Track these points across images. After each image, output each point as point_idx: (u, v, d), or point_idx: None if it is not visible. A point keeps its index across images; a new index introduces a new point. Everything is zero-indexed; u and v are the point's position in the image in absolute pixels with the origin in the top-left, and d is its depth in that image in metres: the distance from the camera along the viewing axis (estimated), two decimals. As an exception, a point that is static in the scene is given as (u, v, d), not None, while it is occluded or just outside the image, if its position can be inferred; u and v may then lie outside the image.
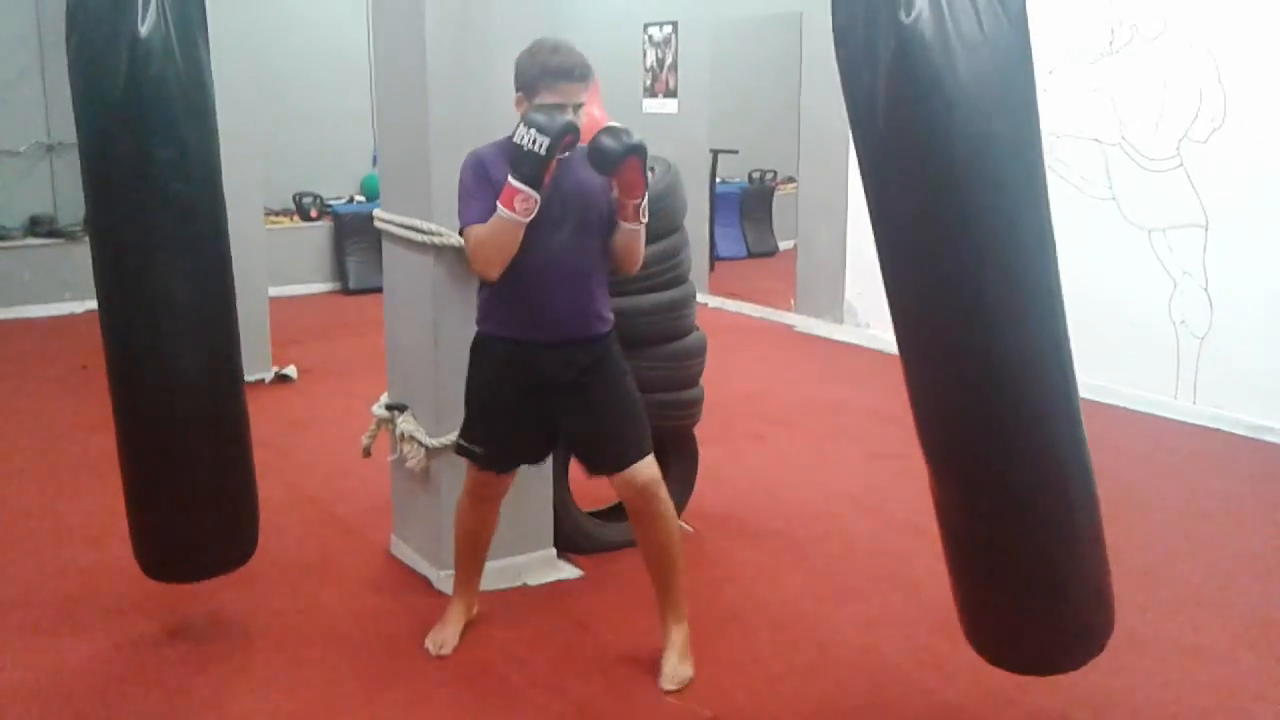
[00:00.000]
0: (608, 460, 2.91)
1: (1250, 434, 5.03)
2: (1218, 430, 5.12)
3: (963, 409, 2.30)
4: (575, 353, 2.84)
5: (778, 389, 5.97)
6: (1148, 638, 3.22)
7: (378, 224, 3.49)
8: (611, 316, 2.92)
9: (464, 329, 3.27)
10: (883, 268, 2.32)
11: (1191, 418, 5.25)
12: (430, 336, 3.31)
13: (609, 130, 2.66)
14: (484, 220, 2.69)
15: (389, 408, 3.49)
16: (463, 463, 3.30)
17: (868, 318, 6.82)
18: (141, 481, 2.92)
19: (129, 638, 3.16)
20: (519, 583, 3.43)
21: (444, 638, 3.08)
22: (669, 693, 2.89)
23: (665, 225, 3.49)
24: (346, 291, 8.46)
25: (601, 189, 2.80)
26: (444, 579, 3.40)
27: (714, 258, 8.95)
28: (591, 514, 3.73)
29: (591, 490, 3.67)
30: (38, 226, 7.66)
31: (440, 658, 3.04)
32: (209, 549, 3.00)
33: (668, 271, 3.49)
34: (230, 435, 2.97)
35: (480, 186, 2.71)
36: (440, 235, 3.21)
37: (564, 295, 2.80)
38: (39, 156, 7.75)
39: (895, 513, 4.13)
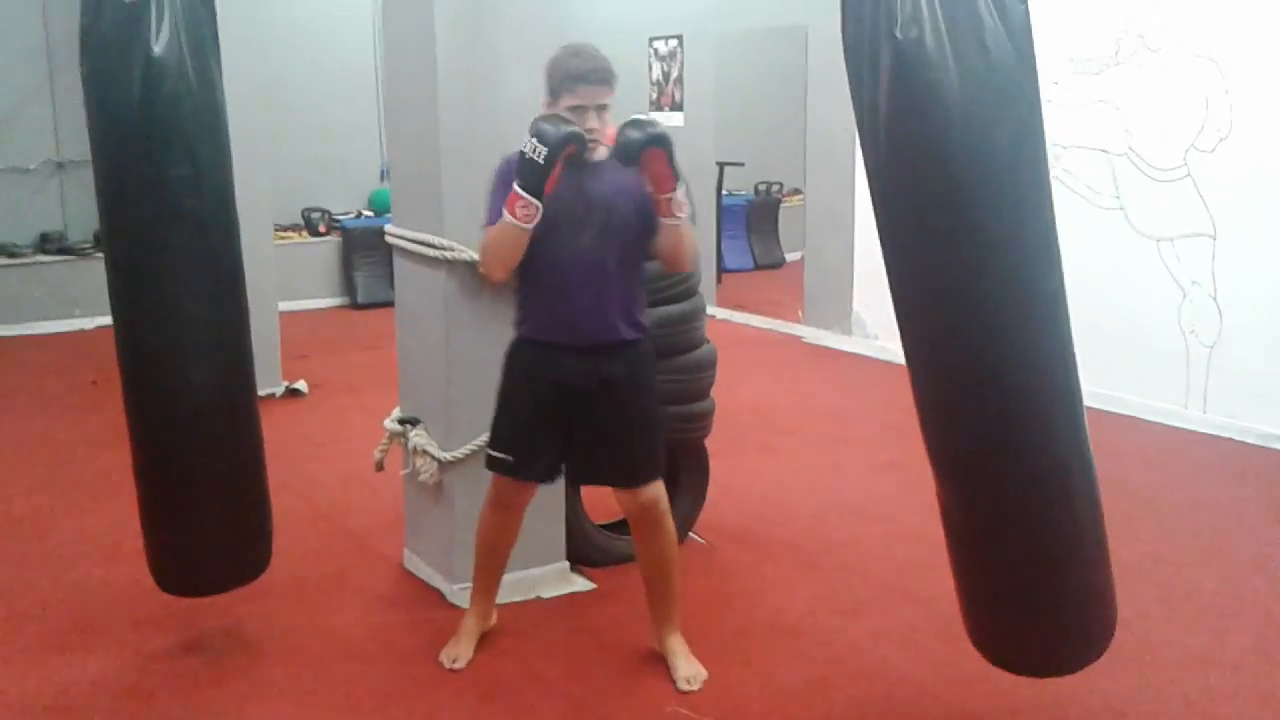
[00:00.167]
0: (611, 475, 2.93)
1: (1260, 442, 5.03)
2: (1228, 439, 5.12)
3: (965, 414, 2.33)
4: (598, 360, 2.85)
5: (787, 401, 5.98)
6: (1160, 646, 3.22)
7: (389, 239, 3.51)
8: (645, 324, 2.92)
9: (476, 343, 3.30)
10: (888, 276, 2.35)
11: (1201, 426, 5.24)
12: (442, 351, 3.33)
13: (632, 122, 2.68)
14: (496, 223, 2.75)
15: (401, 422, 3.50)
16: (475, 475, 3.32)
17: (876, 329, 6.82)
18: (156, 496, 2.93)
19: (144, 652, 3.17)
20: (532, 595, 3.44)
21: (457, 652, 3.08)
22: (689, 693, 2.92)
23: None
24: (355, 306, 8.48)
25: (632, 191, 2.79)
26: (457, 592, 3.41)
27: (721, 270, 8.96)
28: (603, 527, 3.74)
29: (603, 503, 3.68)
30: (48, 244, 7.71)
31: (455, 671, 3.04)
32: (224, 563, 3.01)
33: (678, 284, 3.50)
34: (244, 449, 2.98)
35: (502, 189, 2.76)
36: (452, 250, 3.23)
37: (585, 298, 2.81)
38: (49, 174, 7.80)
39: (906, 523, 4.13)
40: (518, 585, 3.39)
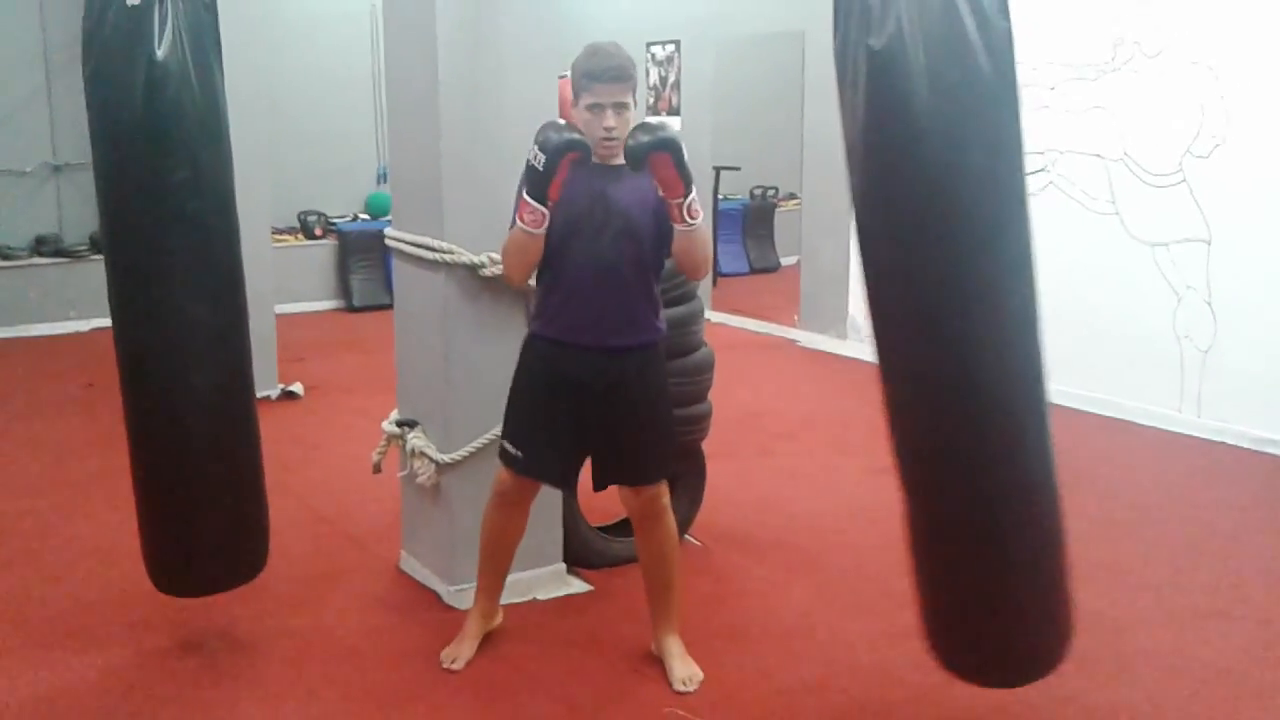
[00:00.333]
0: (617, 476, 2.95)
1: (1254, 446, 5.05)
2: (1222, 443, 5.14)
3: (927, 425, 2.33)
4: (609, 361, 2.87)
5: (783, 404, 5.99)
6: (1155, 650, 3.23)
7: (389, 242, 3.52)
8: (660, 328, 2.94)
9: (475, 346, 3.31)
10: (864, 281, 2.35)
11: (1196, 431, 5.27)
12: (441, 354, 3.34)
13: (642, 125, 2.70)
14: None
15: (399, 424, 3.51)
16: (473, 478, 3.33)
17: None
18: (154, 496, 2.94)
19: (141, 652, 3.17)
20: (529, 597, 3.44)
21: (458, 652, 3.09)
22: (685, 694, 2.93)
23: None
24: (351, 309, 8.50)
25: (650, 196, 2.81)
26: (454, 594, 3.42)
27: (716, 274, 8.98)
28: (600, 529, 3.75)
29: (600, 506, 3.69)
30: (43, 246, 7.70)
31: (452, 672, 3.05)
32: (220, 563, 3.02)
33: (676, 288, 3.51)
34: (242, 451, 2.99)
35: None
36: (452, 253, 3.24)
37: (599, 301, 2.83)
38: (45, 177, 7.80)
39: (899, 528, 4.14)
40: (515, 587, 3.39)
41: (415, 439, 3.43)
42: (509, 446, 2.99)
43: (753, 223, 10.29)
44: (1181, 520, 4.27)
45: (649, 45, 8.57)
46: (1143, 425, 5.43)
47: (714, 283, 8.68)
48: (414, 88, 3.34)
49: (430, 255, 3.29)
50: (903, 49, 2.06)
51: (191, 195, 2.77)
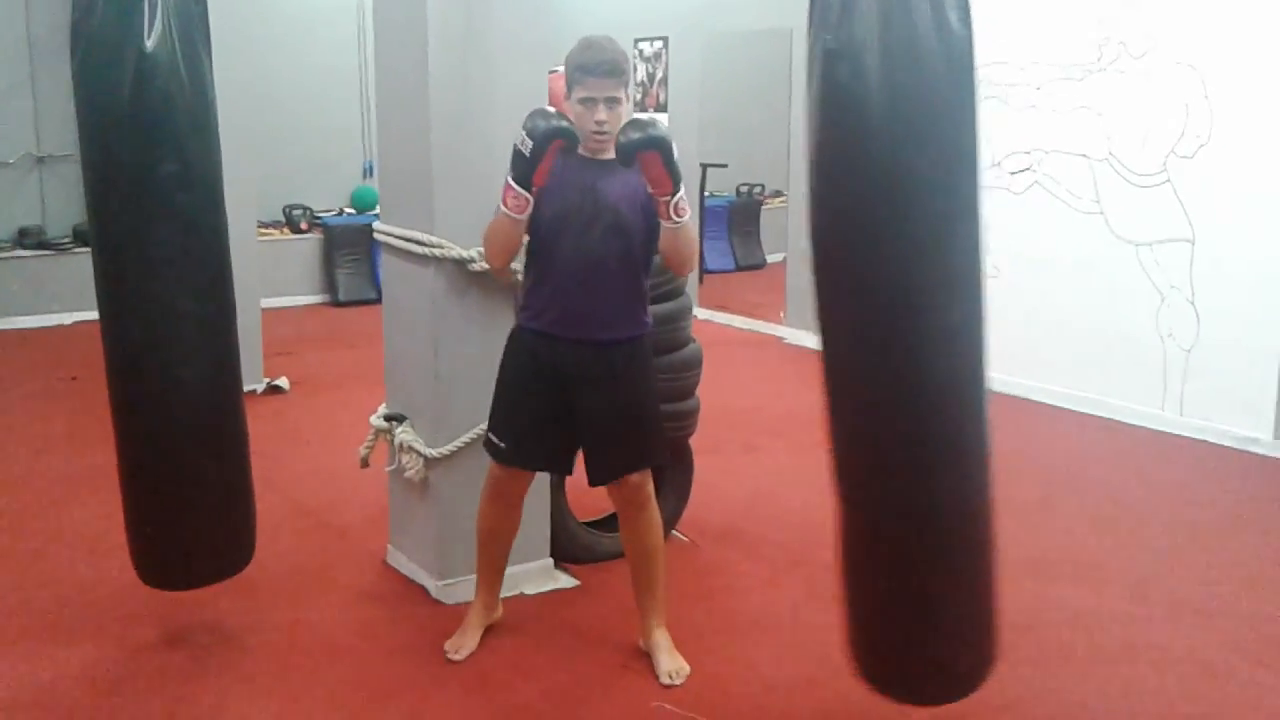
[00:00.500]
0: (607, 472, 2.96)
1: (1236, 445, 5.09)
2: (1204, 441, 5.18)
3: (856, 438, 2.29)
4: (597, 354, 2.88)
5: (769, 400, 6.01)
6: (1139, 647, 3.26)
7: (378, 236, 3.51)
8: (647, 322, 2.96)
9: (463, 341, 3.31)
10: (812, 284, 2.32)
11: (1178, 429, 5.30)
12: (430, 348, 3.33)
13: (633, 122, 2.72)
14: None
15: (387, 418, 3.51)
16: (462, 472, 3.33)
17: (857, 330, 6.86)
18: (141, 489, 2.93)
19: (126, 646, 3.17)
20: (517, 591, 3.44)
21: (461, 643, 3.11)
22: (671, 687, 2.95)
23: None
24: (336, 303, 8.47)
25: (639, 191, 2.82)
26: (442, 588, 3.42)
27: (703, 271, 8.98)
28: (587, 525, 3.75)
29: (588, 502, 3.70)
30: (26, 238, 7.65)
31: (452, 664, 3.06)
32: (207, 556, 3.01)
33: (665, 284, 3.51)
34: (229, 444, 2.99)
35: None
36: (441, 248, 3.24)
37: (588, 295, 2.85)
38: (28, 168, 7.75)
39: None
40: (503, 581, 3.39)
41: (404, 433, 3.43)
42: (494, 438, 3.01)
43: (739, 220, 10.29)
44: (1164, 518, 4.30)
45: (637, 41, 8.56)
46: (1125, 424, 5.46)
47: (700, 279, 8.68)
48: (404, 81, 3.33)
49: (419, 250, 3.28)
50: (856, 49, 2.03)
51: (180, 188, 2.75)
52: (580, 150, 2.81)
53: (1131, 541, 4.05)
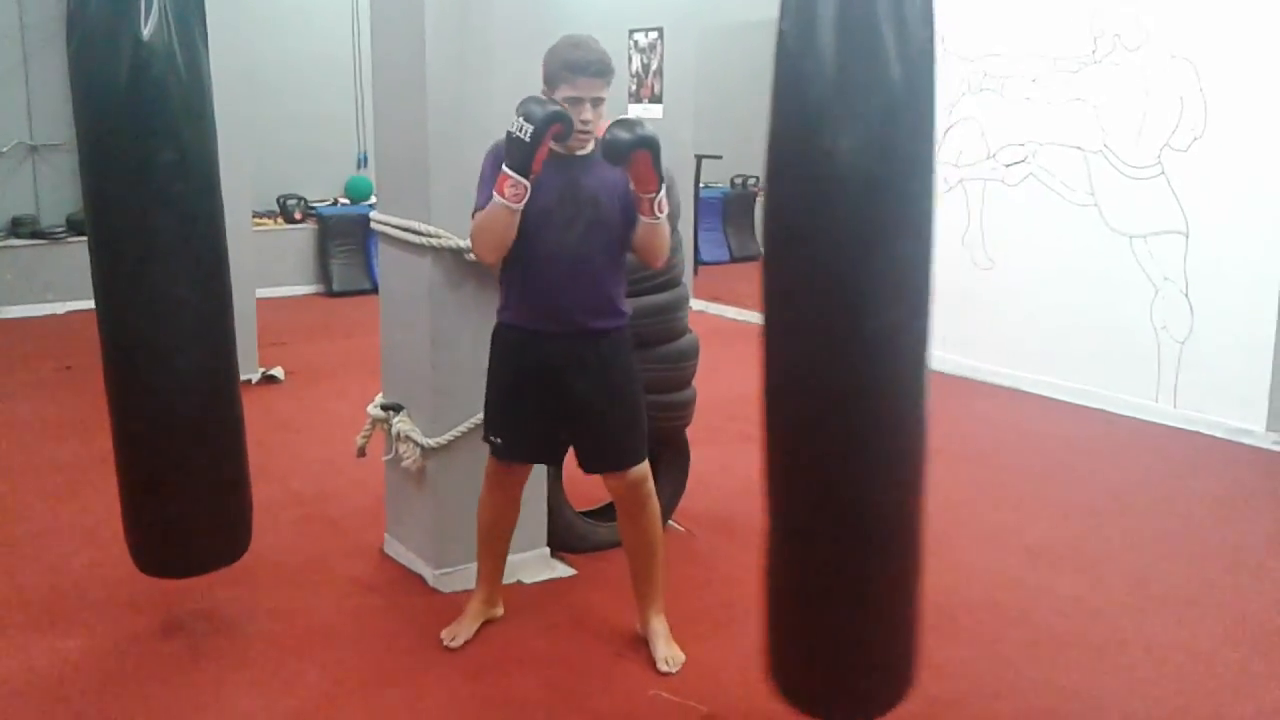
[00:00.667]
0: (603, 460, 2.97)
1: (1229, 436, 5.11)
2: (1198, 433, 5.20)
3: (782, 443, 2.22)
4: (581, 346, 2.89)
5: (763, 392, 6.01)
6: (1133, 636, 3.28)
7: (374, 226, 3.51)
8: (626, 312, 2.97)
9: (460, 330, 3.31)
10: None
11: (1172, 421, 5.33)
12: (427, 338, 3.34)
13: (621, 122, 2.71)
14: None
15: (384, 408, 3.51)
16: (458, 462, 3.34)
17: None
18: (138, 477, 2.93)
19: (124, 634, 3.17)
20: (514, 580, 3.45)
21: (457, 631, 3.12)
22: (667, 675, 2.97)
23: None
24: (330, 294, 8.46)
25: (621, 186, 2.83)
26: (439, 577, 3.43)
27: (698, 262, 9.00)
28: (584, 514, 3.76)
29: (584, 492, 3.70)
30: (20, 227, 7.63)
31: (449, 652, 3.07)
32: (204, 544, 3.01)
33: (661, 274, 3.52)
34: (226, 433, 2.99)
35: (495, 175, 2.76)
36: (438, 237, 3.24)
37: (572, 288, 2.85)
38: (21, 157, 7.72)
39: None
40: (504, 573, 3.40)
41: (400, 423, 3.43)
42: (491, 436, 3.03)
43: (734, 211, 10.30)
44: (1157, 509, 4.32)
45: (632, 32, 8.55)
46: (1119, 415, 5.48)
47: (695, 271, 8.69)
48: (401, 70, 3.33)
49: (416, 239, 3.29)
50: (808, 37, 1.97)
51: (176, 176, 2.75)
52: (555, 147, 2.78)
53: (1125, 532, 4.07)
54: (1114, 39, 5.42)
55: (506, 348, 2.97)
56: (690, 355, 3.73)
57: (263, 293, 6.57)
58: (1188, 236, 5.25)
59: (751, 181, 10.34)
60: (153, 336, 2.82)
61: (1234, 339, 5.12)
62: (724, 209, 10.20)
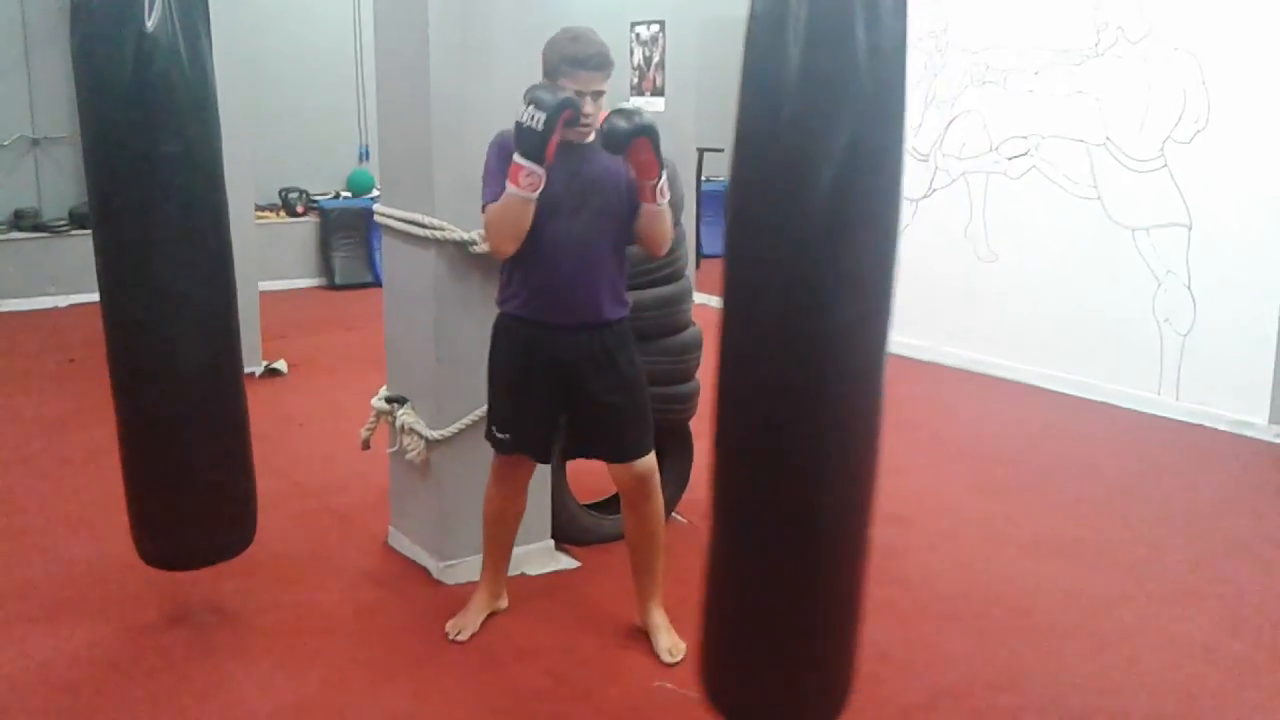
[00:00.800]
0: (609, 451, 2.98)
1: (1232, 429, 5.12)
2: (1200, 425, 5.20)
3: (734, 439, 2.12)
4: (586, 337, 2.89)
5: (766, 385, 6.01)
6: (1136, 628, 3.28)
7: (378, 219, 3.51)
8: (628, 302, 2.97)
9: (465, 323, 3.31)
10: None
11: (1174, 413, 5.33)
12: (430, 330, 3.34)
13: (619, 111, 2.71)
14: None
15: (389, 400, 3.52)
16: (463, 454, 3.35)
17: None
18: (142, 469, 2.94)
19: (129, 626, 3.18)
20: (518, 572, 3.46)
21: (463, 624, 3.13)
22: (671, 665, 2.98)
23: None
24: (333, 287, 8.46)
25: (622, 175, 2.84)
26: (443, 569, 3.43)
27: (700, 255, 8.99)
28: (588, 506, 3.77)
29: (588, 484, 3.71)
30: (22, 220, 7.62)
31: (454, 644, 3.08)
32: (208, 536, 3.02)
33: (665, 267, 3.52)
34: (230, 424, 3.00)
35: (502, 166, 2.76)
36: (442, 230, 3.24)
37: (577, 279, 2.85)
38: (23, 150, 7.72)
39: (885, 506, 4.17)
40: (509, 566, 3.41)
41: (405, 415, 3.44)
42: (496, 432, 3.02)
43: (735, 204, 10.27)
44: (1159, 501, 4.33)
45: (634, 25, 8.54)
46: (1122, 408, 5.49)
47: (697, 264, 8.68)
48: (404, 62, 3.32)
49: (420, 232, 3.29)
50: (778, 28, 1.91)
51: (181, 169, 2.76)
52: (562, 135, 2.80)
53: (1127, 524, 4.07)
54: (1117, 31, 5.41)
55: (512, 341, 2.96)
56: (693, 348, 3.74)
57: (265, 286, 6.57)
58: (1190, 229, 5.25)
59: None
60: (157, 328, 2.82)
61: (1236, 332, 5.12)
62: (726, 202, 10.18)
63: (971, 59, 6.09)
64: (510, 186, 2.72)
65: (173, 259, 2.79)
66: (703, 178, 9.22)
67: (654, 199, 2.80)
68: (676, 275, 3.62)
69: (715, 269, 8.60)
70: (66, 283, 7.36)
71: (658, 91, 8.44)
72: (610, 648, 3.10)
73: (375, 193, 8.61)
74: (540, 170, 2.69)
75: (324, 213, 8.56)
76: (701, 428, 4.00)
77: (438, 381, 3.36)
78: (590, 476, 3.49)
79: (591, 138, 2.85)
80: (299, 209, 8.58)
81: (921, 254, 6.45)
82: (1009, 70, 5.91)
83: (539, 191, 2.72)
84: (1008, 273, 6.01)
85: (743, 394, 2.07)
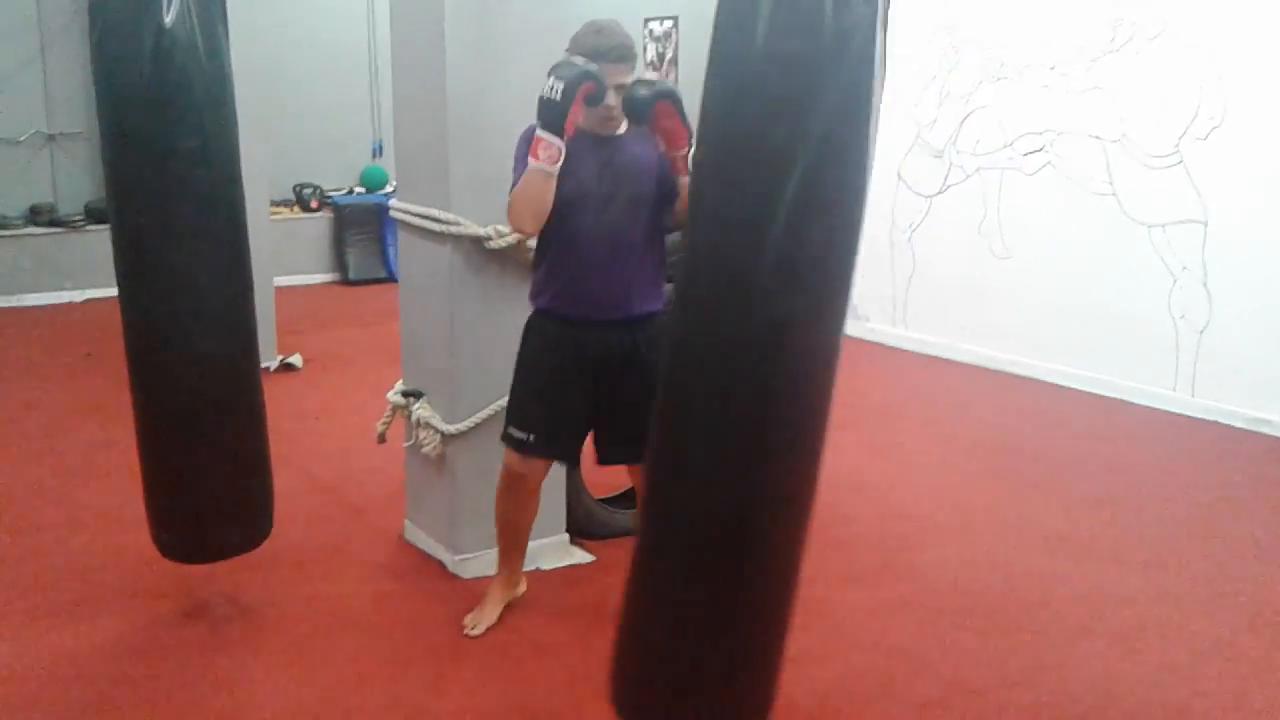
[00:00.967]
0: (635, 451, 2.96)
1: (1248, 426, 5.10)
2: (1216, 422, 5.19)
3: (667, 436, 2.04)
4: (621, 332, 2.87)
5: (779, 381, 6.01)
6: (1151, 625, 3.28)
7: (394, 214, 3.52)
8: (664, 295, 2.93)
9: (480, 318, 3.32)
10: None
11: (1190, 410, 5.31)
12: (446, 325, 3.35)
13: (640, 81, 2.72)
14: None
15: (405, 394, 3.53)
16: (478, 448, 3.35)
17: (867, 311, 6.87)
18: (160, 463, 2.96)
19: (146, 618, 3.20)
20: (533, 567, 3.47)
21: (480, 618, 3.13)
22: None
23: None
24: (346, 282, 8.49)
25: (653, 160, 2.82)
26: (459, 563, 3.45)
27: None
28: (602, 501, 3.78)
29: (602, 479, 3.72)
30: (38, 216, 7.66)
31: (467, 638, 3.08)
32: (226, 530, 3.04)
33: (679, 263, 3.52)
34: (247, 418, 3.01)
35: (526, 154, 2.76)
36: (458, 225, 3.24)
37: (616, 272, 2.83)
38: (39, 146, 7.75)
39: (897, 502, 4.19)
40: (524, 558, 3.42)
41: (421, 410, 3.45)
42: (516, 431, 2.95)
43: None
44: (1175, 498, 4.32)
45: (647, 21, 8.54)
46: (1137, 405, 5.47)
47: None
48: (420, 57, 3.33)
49: (436, 227, 3.29)
50: (746, 10, 1.82)
51: (199, 163, 2.77)
52: (584, 127, 2.80)
53: (1143, 521, 4.06)
54: (1132, 27, 5.39)
55: (544, 340, 2.93)
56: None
57: (279, 281, 6.59)
58: (1206, 225, 5.23)
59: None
60: (174, 322, 2.83)
61: (1253, 328, 5.10)
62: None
63: (986, 55, 6.07)
64: (531, 161, 2.70)
65: (190, 254, 2.81)
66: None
67: (685, 169, 2.76)
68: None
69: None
70: (82, 278, 7.40)
71: (671, 87, 8.43)
72: (625, 642, 3.11)
73: (389, 188, 8.63)
74: (559, 143, 2.67)
75: (338, 208, 8.58)
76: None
77: (453, 376, 3.37)
78: (604, 471, 3.48)
79: (623, 129, 2.83)
80: (313, 204, 8.60)
81: (936, 250, 6.45)
82: (1024, 66, 5.89)
83: (559, 165, 2.69)
84: (1022, 269, 6.00)
85: (677, 394, 1.99)
